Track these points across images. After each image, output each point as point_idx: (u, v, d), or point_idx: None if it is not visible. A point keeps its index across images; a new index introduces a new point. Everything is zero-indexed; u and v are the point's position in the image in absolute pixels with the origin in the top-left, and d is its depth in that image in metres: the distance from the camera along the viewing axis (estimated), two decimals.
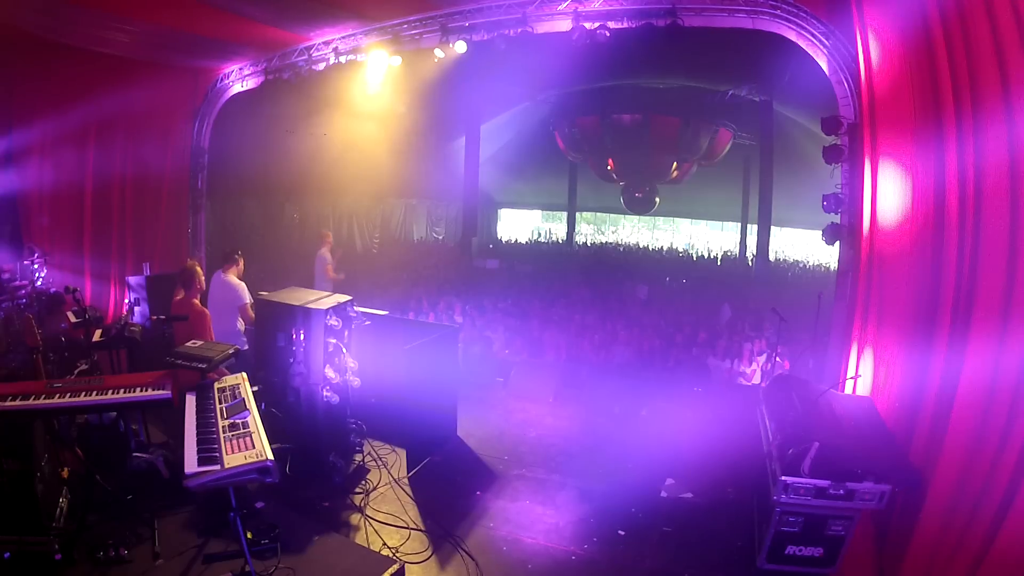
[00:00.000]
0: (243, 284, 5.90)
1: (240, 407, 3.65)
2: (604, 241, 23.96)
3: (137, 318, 7.37)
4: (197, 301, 5.31)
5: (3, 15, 6.38)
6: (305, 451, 4.99)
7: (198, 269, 5.39)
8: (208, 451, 3.23)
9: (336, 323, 4.99)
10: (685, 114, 15.66)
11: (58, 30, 7.06)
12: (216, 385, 4.04)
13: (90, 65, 8.02)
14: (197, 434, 3.42)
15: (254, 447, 3.25)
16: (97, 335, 5.78)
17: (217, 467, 3.09)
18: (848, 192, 5.90)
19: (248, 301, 5.81)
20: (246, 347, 5.81)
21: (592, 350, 8.87)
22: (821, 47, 5.95)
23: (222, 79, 9.33)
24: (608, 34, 6.81)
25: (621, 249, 21.61)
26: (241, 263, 6.02)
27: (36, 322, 4.80)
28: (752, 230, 17.22)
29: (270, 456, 3.17)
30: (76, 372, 5.17)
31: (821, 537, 3.77)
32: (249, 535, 3.66)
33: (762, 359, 8.00)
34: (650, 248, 22.19)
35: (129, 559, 3.69)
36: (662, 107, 15.75)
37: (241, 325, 5.93)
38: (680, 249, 21.92)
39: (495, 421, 6.63)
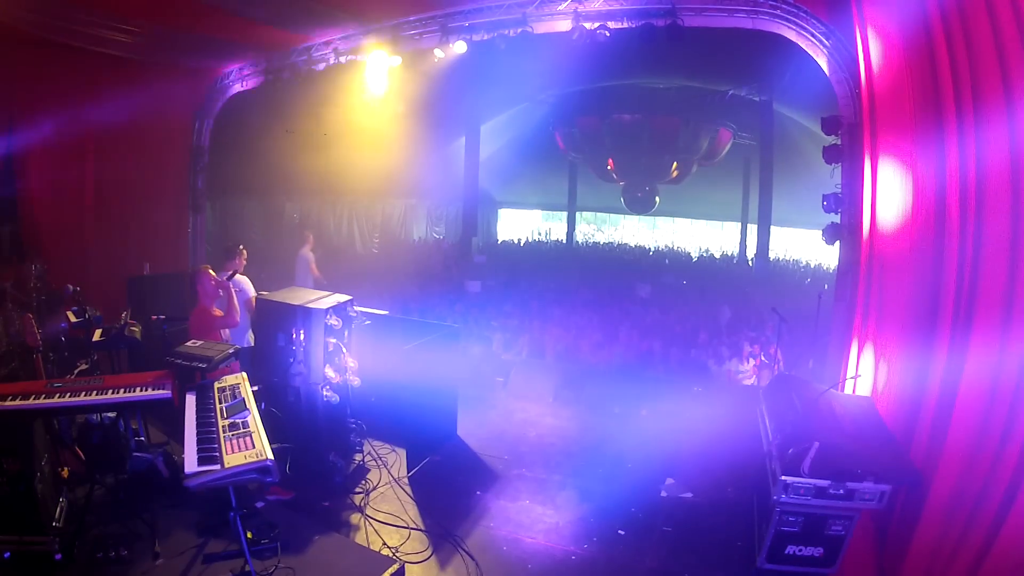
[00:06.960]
0: (246, 279, 5.83)
1: (240, 407, 3.65)
2: (603, 241, 23.91)
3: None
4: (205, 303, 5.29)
5: (3, 15, 6.38)
6: (305, 451, 4.99)
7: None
8: (208, 451, 3.23)
9: (336, 323, 5.00)
10: (685, 114, 15.66)
11: (59, 30, 7.05)
12: (216, 385, 4.04)
13: (90, 65, 8.00)
14: (197, 434, 3.42)
15: (254, 447, 3.25)
16: (97, 335, 5.78)
17: (217, 467, 3.10)
18: (848, 192, 5.91)
19: (253, 294, 5.78)
20: (251, 344, 5.81)
21: (592, 350, 8.87)
22: (821, 47, 5.96)
23: (222, 79, 9.33)
24: (608, 34, 6.82)
25: (617, 249, 21.58)
26: (241, 259, 5.89)
27: (36, 322, 4.79)
28: (752, 230, 17.22)
29: (270, 456, 3.18)
30: (76, 372, 5.17)
31: (821, 537, 3.77)
32: (249, 535, 3.67)
33: (761, 359, 8.00)
34: (649, 249, 22.15)
35: (129, 559, 3.69)
36: (662, 107, 15.75)
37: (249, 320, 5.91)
38: (681, 249, 21.88)
39: (495, 421, 6.63)
